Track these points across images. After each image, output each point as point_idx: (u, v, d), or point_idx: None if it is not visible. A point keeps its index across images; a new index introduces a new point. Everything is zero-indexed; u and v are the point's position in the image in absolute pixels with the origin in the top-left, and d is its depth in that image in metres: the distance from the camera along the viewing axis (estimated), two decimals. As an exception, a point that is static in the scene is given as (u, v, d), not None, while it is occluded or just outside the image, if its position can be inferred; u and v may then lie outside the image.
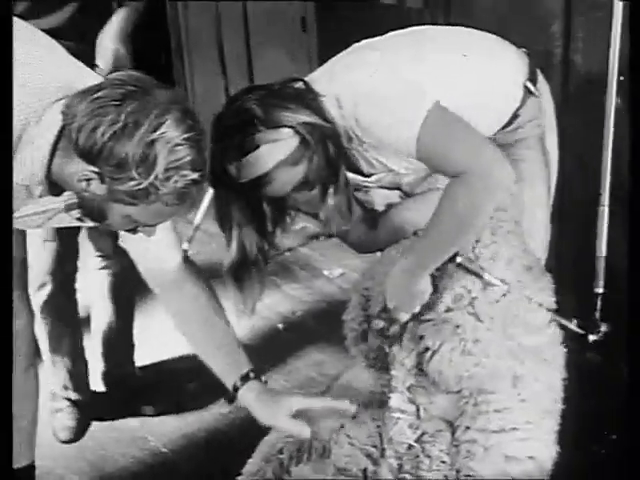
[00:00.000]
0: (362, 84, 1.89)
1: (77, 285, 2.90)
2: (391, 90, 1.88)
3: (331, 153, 1.89)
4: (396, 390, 2.03)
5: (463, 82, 2.02)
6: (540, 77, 2.18)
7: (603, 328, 2.45)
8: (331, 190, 1.93)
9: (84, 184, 1.63)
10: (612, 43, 2.55)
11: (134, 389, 3.05)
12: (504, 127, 2.12)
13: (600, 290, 2.62)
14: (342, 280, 3.81)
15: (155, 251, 1.93)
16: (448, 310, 1.97)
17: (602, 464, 2.63)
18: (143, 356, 3.21)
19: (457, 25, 2.81)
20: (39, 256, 2.73)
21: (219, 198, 1.97)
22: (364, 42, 2.09)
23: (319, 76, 2.02)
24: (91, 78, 1.75)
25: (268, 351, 3.34)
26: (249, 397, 1.97)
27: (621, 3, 2.48)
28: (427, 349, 1.97)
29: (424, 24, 3.17)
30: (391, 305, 2.00)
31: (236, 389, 1.97)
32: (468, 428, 1.97)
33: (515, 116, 2.11)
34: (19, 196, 1.72)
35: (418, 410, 2.02)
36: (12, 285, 1.67)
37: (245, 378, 1.97)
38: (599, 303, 2.60)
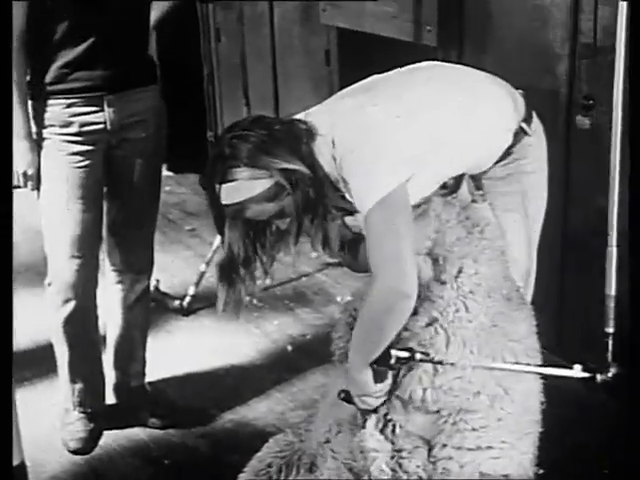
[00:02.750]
0: (353, 140, 2.01)
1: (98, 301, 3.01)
2: (373, 155, 2.00)
3: (310, 194, 2.02)
4: (370, 431, 2.13)
5: (460, 121, 2.14)
6: (535, 117, 2.29)
7: (613, 369, 2.33)
8: (307, 223, 2.07)
9: None
10: (615, 86, 2.60)
11: (143, 402, 3.16)
12: (497, 162, 2.23)
13: (610, 330, 2.55)
14: (352, 306, 3.90)
15: None
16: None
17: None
18: (154, 371, 3.32)
19: (468, 63, 2.95)
20: (64, 272, 2.84)
21: (214, 203, 2.08)
22: (374, 80, 2.22)
23: (326, 110, 2.14)
24: None
25: (275, 371, 3.46)
26: None
27: (623, 48, 2.55)
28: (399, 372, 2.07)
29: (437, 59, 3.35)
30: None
31: None
32: (445, 445, 2.07)
33: (508, 153, 2.22)
34: None
35: (393, 443, 2.11)
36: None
37: None
38: (610, 343, 2.52)
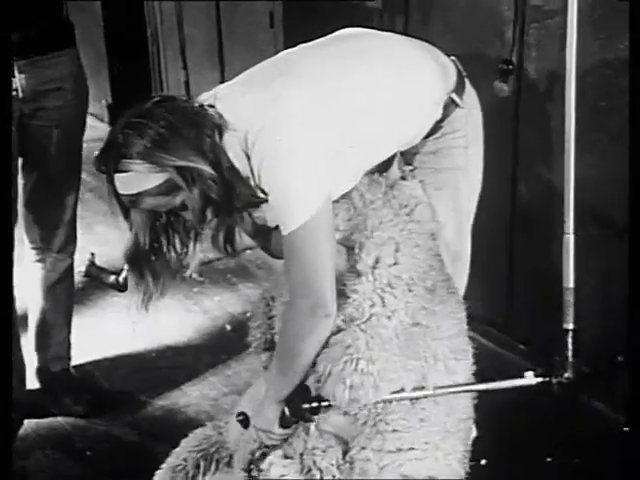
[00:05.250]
0: (269, 143, 1.82)
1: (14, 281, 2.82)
2: (292, 165, 1.82)
3: (210, 192, 1.84)
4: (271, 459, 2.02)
5: (384, 100, 1.96)
6: (468, 86, 2.11)
7: (569, 373, 2.02)
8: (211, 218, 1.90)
9: None
10: (568, 49, 2.39)
11: (66, 388, 2.98)
12: (427, 136, 2.07)
13: (570, 326, 2.13)
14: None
15: None
16: (339, 331, 1.89)
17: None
18: (84, 353, 3.17)
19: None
20: None
21: (111, 190, 1.91)
22: (291, 58, 2.01)
23: (239, 94, 1.93)
24: None
25: (212, 352, 3.30)
26: None
27: (576, 8, 2.36)
28: (320, 377, 1.91)
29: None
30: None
31: None
32: (364, 448, 1.93)
33: (438, 127, 2.06)
34: None
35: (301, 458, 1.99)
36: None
37: None
38: (570, 341, 2.12)
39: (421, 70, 2.02)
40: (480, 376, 2.15)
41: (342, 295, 1.89)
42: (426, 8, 3.14)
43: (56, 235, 2.83)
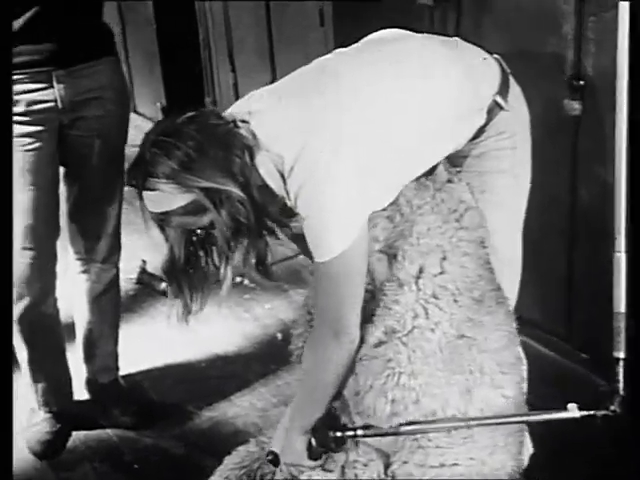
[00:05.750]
0: (310, 175, 1.76)
1: (58, 293, 2.77)
2: (332, 200, 1.77)
3: (239, 214, 1.78)
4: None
5: (426, 113, 1.89)
6: (513, 85, 2.01)
7: (615, 406, 1.86)
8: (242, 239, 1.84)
9: None
10: (619, 46, 2.24)
11: (114, 399, 2.94)
12: (471, 140, 1.98)
13: (621, 355, 1.95)
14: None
15: None
16: (380, 344, 1.81)
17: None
18: (134, 362, 3.14)
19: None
20: (15, 265, 2.53)
21: (142, 204, 1.85)
22: (329, 66, 1.92)
23: (274, 107, 1.84)
24: None
25: (262, 362, 3.22)
26: None
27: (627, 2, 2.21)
28: (360, 390, 1.82)
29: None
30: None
31: None
32: (406, 462, 1.87)
33: (482, 131, 1.96)
34: None
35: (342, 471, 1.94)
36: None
37: None
38: (620, 371, 1.93)
39: (463, 76, 1.92)
40: (541, 384, 2.05)
41: (383, 306, 1.82)
42: (479, 4, 3.01)
43: (100, 245, 2.78)
